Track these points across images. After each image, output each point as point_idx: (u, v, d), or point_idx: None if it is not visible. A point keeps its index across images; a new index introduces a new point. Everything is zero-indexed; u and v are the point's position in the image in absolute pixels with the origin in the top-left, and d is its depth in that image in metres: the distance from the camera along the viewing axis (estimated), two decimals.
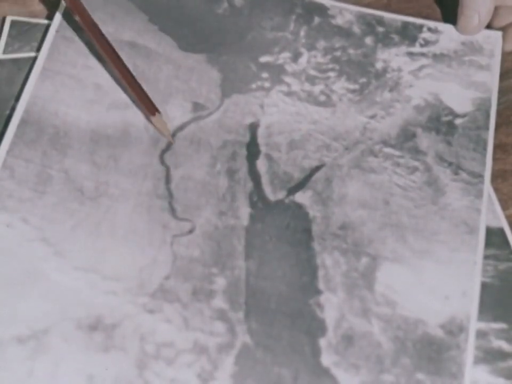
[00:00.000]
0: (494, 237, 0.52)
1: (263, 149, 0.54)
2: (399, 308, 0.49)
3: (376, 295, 0.49)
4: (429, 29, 0.59)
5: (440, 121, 0.56)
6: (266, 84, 0.56)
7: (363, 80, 0.57)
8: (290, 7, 0.60)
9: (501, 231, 0.52)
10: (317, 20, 0.59)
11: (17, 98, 0.54)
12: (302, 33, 0.59)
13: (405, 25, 0.60)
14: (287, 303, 0.49)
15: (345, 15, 0.60)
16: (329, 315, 0.49)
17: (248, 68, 0.57)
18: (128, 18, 0.58)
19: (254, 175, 0.53)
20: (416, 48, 0.58)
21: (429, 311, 0.49)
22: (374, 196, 0.53)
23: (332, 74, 0.57)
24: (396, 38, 0.59)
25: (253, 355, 0.47)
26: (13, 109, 0.54)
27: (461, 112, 0.56)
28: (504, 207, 0.54)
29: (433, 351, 0.48)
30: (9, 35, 0.57)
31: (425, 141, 0.55)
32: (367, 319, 0.49)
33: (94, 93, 0.55)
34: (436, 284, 0.50)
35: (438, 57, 0.58)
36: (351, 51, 0.58)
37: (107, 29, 0.57)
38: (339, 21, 0.59)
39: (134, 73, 0.55)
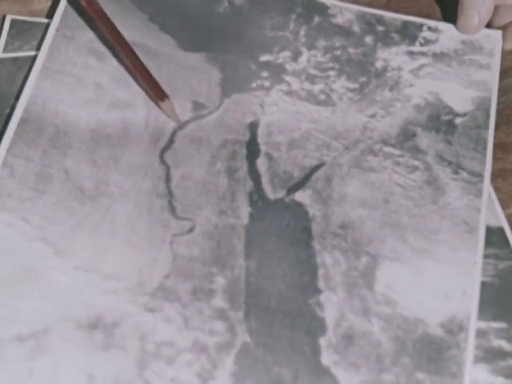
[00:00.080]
0: (494, 236, 0.52)
1: (263, 148, 0.54)
2: (399, 307, 0.49)
3: (376, 294, 0.49)
4: (429, 28, 0.59)
5: (440, 120, 0.56)
6: (266, 83, 0.56)
7: (363, 79, 0.57)
8: (291, 6, 0.60)
9: (501, 230, 0.52)
10: (317, 19, 0.59)
11: (17, 97, 0.54)
12: (302, 32, 0.59)
13: (405, 24, 0.60)
14: (287, 302, 0.49)
15: (345, 14, 0.60)
16: (329, 314, 0.49)
17: (248, 67, 0.57)
18: (128, 17, 0.58)
19: (254, 174, 0.53)
20: (416, 47, 0.58)
21: (429, 310, 0.49)
22: (374, 195, 0.53)
23: (331, 73, 0.57)
24: (396, 37, 0.59)
25: (252, 354, 0.47)
26: (13, 108, 0.54)
27: (461, 111, 0.56)
28: (504, 206, 0.54)
29: (433, 350, 0.48)
30: (9, 34, 0.57)
31: (425, 140, 0.55)
32: (367, 318, 0.49)
33: (94, 92, 0.55)
34: (435, 283, 0.50)
35: (438, 56, 0.58)
36: (351, 50, 0.58)
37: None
38: (339, 20, 0.59)
39: None
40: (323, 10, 0.60)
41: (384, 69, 0.58)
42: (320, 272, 0.50)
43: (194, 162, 0.53)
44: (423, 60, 0.58)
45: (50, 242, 0.49)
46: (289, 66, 0.57)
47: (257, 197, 0.52)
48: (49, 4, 0.59)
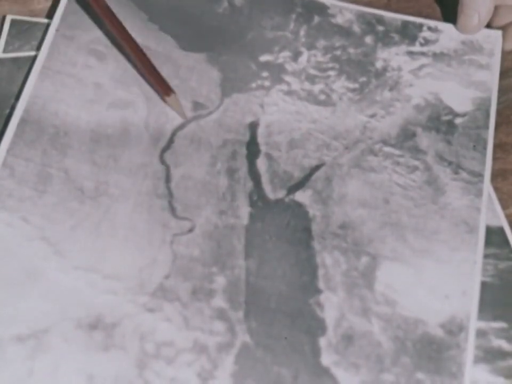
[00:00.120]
0: (494, 236, 0.52)
1: (263, 148, 0.54)
2: (399, 307, 0.49)
3: (376, 294, 0.49)
4: (429, 28, 0.59)
5: (440, 120, 0.56)
6: (266, 83, 0.56)
7: (363, 79, 0.57)
8: (290, 6, 0.60)
9: (501, 230, 0.52)
10: (317, 19, 0.59)
11: (17, 98, 0.54)
12: (302, 32, 0.59)
13: (405, 24, 0.60)
14: (287, 302, 0.49)
15: (345, 14, 0.60)
16: (329, 314, 0.49)
17: (248, 67, 0.57)
18: (128, 17, 0.58)
19: (254, 174, 0.53)
20: (416, 47, 0.58)
21: (429, 310, 0.49)
22: (374, 195, 0.53)
23: (331, 73, 0.57)
24: (396, 37, 0.59)
25: (252, 354, 0.47)
26: (13, 108, 0.54)
27: (461, 111, 0.56)
28: (504, 206, 0.54)
29: (433, 350, 0.48)
30: (9, 34, 0.57)
31: (425, 140, 0.55)
32: (367, 318, 0.49)
33: (94, 92, 0.55)
34: (435, 283, 0.50)
35: (438, 57, 0.58)
36: (351, 50, 0.58)
37: (107, 28, 0.57)
38: (339, 20, 0.59)
39: (134, 73, 0.55)
40: (323, 10, 0.60)
41: (384, 69, 0.58)
42: (320, 272, 0.50)
43: (194, 162, 0.53)
44: (423, 60, 0.58)
45: (50, 242, 0.49)
46: (289, 66, 0.57)
47: (257, 197, 0.52)
48: (49, 4, 0.59)
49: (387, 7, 0.61)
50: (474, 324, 0.49)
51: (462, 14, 0.58)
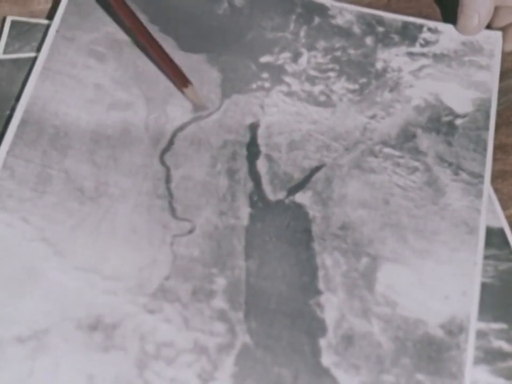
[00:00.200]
0: (494, 237, 0.52)
1: (263, 149, 0.54)
2: (399, 308, 0.49)
3: (376, 295, 0.49)
4: (429, 29, 0.59)
5: (440, 121, 0.56)
6: (267, 84, 0.56)
7: (363, 80, 0.57)
8: (291, 7, 0.60)
9: (501, 231, 0.52)
10: (317, 20, 0.59)
11: (18, 98, 0.54)
12: (302, 33, 0.59)
13: (405, 25, 0.60)
14: (287, 303, 0.49)
15: (345, 15, 0.60)
16: (329, 315, 0.49)
17: (248, 68, 0.57)
18: None
19: (254, 175, 0.53)
20: (416, 48, 0.58)
21: (429, 311, 0.49)
22: (374, 196, 0.53)
23: (332, 74, 0.57)
24: (396, 38, 0.59)
25: (253, 355, 0.47)
26: (13, 109, 0.54)
27: (461, 112, 0.56)
28: (504, 207, 0.54)
29: (433, 351, 0.48)
30: (10, 35, 0.57)
31: (425, 141, 0.55)
32: (367, 319, 0.49)
33: (94, 93, 0.55)
34: (436, 284, 0.50)
35: (438, 57, 0.58)
36: (351, 51, 0.58)
37: (107, 29, 0.57)
38: (339, 21, 0.59)
39: (134, 74, 0.55)
40: (323, 11, 0.60)
41: (384, 70, 0.58)
42: (320, 273, 0.50)
43: (194, 163, 0.53)
44: (423, 61, 0.58)
45: (50, 243, 0.49)
46: (289, 67, 0.57)
47: (257, 198, 0.52)
48: (49, 5, 0.59)
49: (387, 8, 0.61)
50: (474, 324, 0.49)
51: (462, 15, 0.58)
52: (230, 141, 0.54)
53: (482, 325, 0.49)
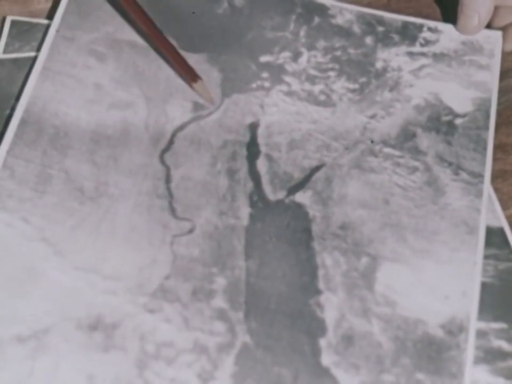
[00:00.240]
0: (494, 236, 0.52)
1: (263, 148, 0.54)
2: (399, 308, 0.49)
3: (376, 295, 0.49)
4: (429, 29, 0.59)
5: (440, 121, 0.56)
6: (267, 84, 0.56)
7: (363, 79, 0.57)
8: (291, 7, 0.60)
9: (501, 231, 0.52)
10: (317, 19, 0.59)
11: (18, 98, 0.54)
12: (302, 32, 0.59)
13: (405, 24, 0.60)
14: (287, 303, 0.49)
15: (345, 14, 0.60)
16: (329, 315, 0.49)
17: (248, 68, 0.57)
18: (128, 18, 0.58)
19: (254, 175, 0.53)
20: (416, 48, 0.58)
21: (429, 311, 0.49)
22: (374, 195, 0.53)
23: (332, 74, 0.57)
24: (396, 37, 0.59)
25: (253, 355, 0.47)
26: (13, 109, 0.54)
27: (461, 112, 0.56)
28: (504, 207, 0.54)
29: (433, 351, 0.48)
30: (10, 35, 0.57)
31: (425, 140, 0.55)
32: (367, 319, 0.49)
33: (94, 93, 0.55)
34: (436, 283, 0.50)
35: (438, 57, 0.58)
36: (351, 51, 0.58)
37: (107, 29, 0.57)
38: (339, 20, 0.59)
39: (134, 73, 0.55)
40: (323, 10, 0.60)
41: (384, 70, 0.58)
42: (320, 273, 0.50)
43: (194, 163, 0.53)
44: (423, 61, 0.58)
45: (50, 242, 0.49)
46: (289, 67, 0.57)
47: (257, 197, 0.52)
48: (49, 4, 0.59)
49: (387, 8, 0.61)
50: (474, 324, 0.49)
51: (462, 15, 0.58)
52: (230, 140, 0.54)
53: (482, 325, 0.49)
